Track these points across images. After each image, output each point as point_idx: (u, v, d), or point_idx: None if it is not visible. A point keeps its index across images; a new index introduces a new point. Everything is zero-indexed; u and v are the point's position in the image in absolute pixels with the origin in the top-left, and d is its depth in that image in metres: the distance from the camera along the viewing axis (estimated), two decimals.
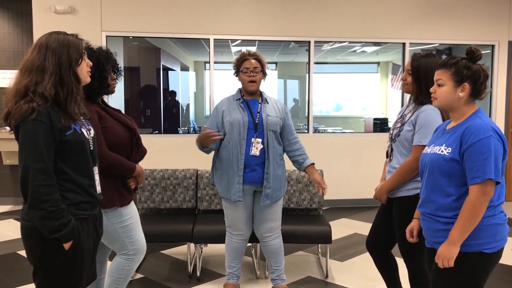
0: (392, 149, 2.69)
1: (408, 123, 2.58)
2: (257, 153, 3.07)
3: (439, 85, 2.04)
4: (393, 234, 2.71)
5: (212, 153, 3.25)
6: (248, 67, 3.11)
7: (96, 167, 2.07)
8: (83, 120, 2.03)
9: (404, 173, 2.54)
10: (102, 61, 2.45)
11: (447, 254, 1.92)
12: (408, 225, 2.39)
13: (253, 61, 3.12)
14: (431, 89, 2.09)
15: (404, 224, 2.52)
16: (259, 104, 3.17)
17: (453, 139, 1.98)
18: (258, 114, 3.13)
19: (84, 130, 1.99)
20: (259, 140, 3.08)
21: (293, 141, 3.23)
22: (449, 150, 1.97)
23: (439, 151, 2.01)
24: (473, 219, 1.88)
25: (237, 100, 3.17)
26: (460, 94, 1.99)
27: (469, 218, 1.88)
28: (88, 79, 2.03)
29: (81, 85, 1.97)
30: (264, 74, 3.19)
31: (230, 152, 3.08)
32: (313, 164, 3.23)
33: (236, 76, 3.23)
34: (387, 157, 2.74)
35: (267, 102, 3.20)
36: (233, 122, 3.08)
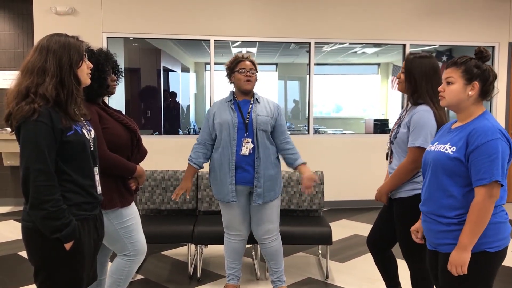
0: (391, 151, 2.70)
1: (404, 124, 2.60)
2: (247, 153, 3.08)
3: (448, 83, 2.03)
4: (394, 234, 2.72)
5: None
6: (244, 68, 3.14)
7: (97, 167, 2.07)
8: (84, 121, 2.04)
9: (401, 175, 2.56)
10: (101, 62, 2.45)
11: (459, 260, 1.90)
12: (408, 225, 2.39)
13: (248, 62, 3.16)
14: (440, 88, 2.08)
15: (404, 224, 2.53)
16: (250, 105, 3.19)
17: (458, 138, 1.98)
18: (248, 114, 3.15)
19: (84, 131, 1.99)
20: (249, 139, 3.10)
21: (284, 141, 3.22)
22: (453, 149, 1.96)
23: (443, 149, 2.01)
24: (481, 222, 1.87)
25: (228, 102, 3.20)
26: (470, 93, 1.99)
27: (477, 221, 1.87)
28: (89, 81, 2.03)
29: (81, 87, 1.98)
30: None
31: (222, 153, 3.11)
32: (305, 163, 3.20)
33: (229, 78, 3.24)
34: (387, 159, 2.75)
35: (259, 102, 3.21)
36: (222, 123, 3.11)
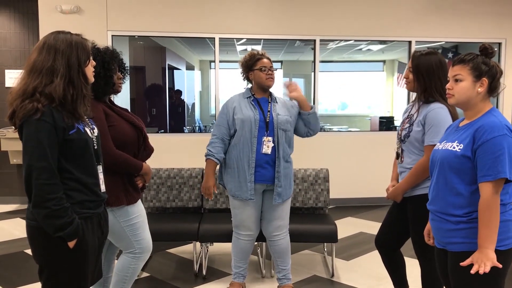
0: (402, 150, 2.67)
1: (417, 123, 2.56)
2: (269, 152, 3.07)
3: (456, 81, 2.01)
4: (404, 233, 2.70)
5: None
6: (265, 66, 3.14)
7: (100, 166, 2.07)
8: (87, 120, 2.03)
9: (419, 173, 2.52)
10: (107, 60, 2.46)
11: (481, 258, 1.85)
12: (424, 223, 2.37)
13: (267, 60, 3.16)
14: (448, 86, 2.06)
15: (420, 222, 2.50)
16: (269, 104, 3.18)
17: (465, 135, 1.96)
18: (268, 113, 3.14)
19: (87, 129, 1.99)
20: (270, 138, 3.09)
21: None
22: (461, 146, 1.95)
23: (450, 147, 1.99)
24: (494, 218, 1.84)
25: (247, 98, 3.18)
26: (479, 89, 1.97)
27: (489, 219, 1.84)
28: (93, 79, 2.03)
29: (89, 86, 1.97)
30: None
31: (241, 150, 3.08)
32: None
33: (246, 75, 3.22)
34: (397, 158, 2.72)
35: (277, 102, 3.22)
36: (244, 120, 3.08)
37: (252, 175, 3.07)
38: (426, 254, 2.58)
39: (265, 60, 3.15)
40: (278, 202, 3.14)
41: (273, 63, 3.23)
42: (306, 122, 3.22)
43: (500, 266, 1.84)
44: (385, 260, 2.85)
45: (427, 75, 2.54)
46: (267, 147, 3.08)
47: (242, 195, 3.10)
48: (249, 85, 3.25)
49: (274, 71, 3.18)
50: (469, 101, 2.01)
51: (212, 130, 3.21)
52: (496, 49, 6.27)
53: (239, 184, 3.10)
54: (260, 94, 3.20)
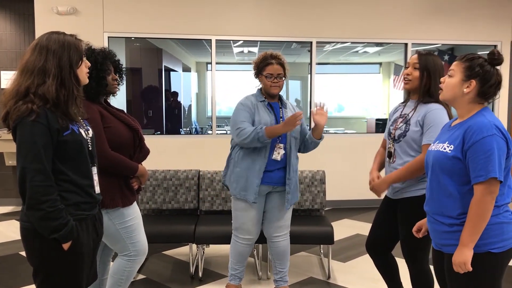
0: (394, 149, 2.66)
1: (415, 123, 2.54)
2: (278, 158, 3.04)
3: (449, 76, 2.02)
4: (393, 235, 2.70)
5: (226, 152, 3.23)
6: (272, 73, 3.04)
7: (95, 167, 2.06)
8: (82, 120, 2.02)
9: (413, 170, 2.50)
10: (100, 60, 2.44)
11: (461, 258, 1.87)
12: (414, 225, 2.37)
13: (276, 66, 3.04)
14: (441, 79, 2.07)
15: (410, 224, 2.50)
16: (280, 109, 3.15)
17: (456, 136, 1.96)
18: (281, 119, 3.10)
19: (82, 130, 1.97)
20: (282, 145, 3.05)
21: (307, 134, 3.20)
22: (451, 147, 1.95)
23: (442, 148, 1.99)
24: (481, 219, 1.85)
25: (262, 101, 3.11)
26: (465, 90, 1.97)
27: (476, 219, 1.85)
28: (87, 80, 2.01)
29: (81, 87, 1.96)
30: (285, 77, 3.13)
31: (253, 152, 3.02)
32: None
33: (256, 77, 3.17)
34: (389, 157, 2.71)
35: (286, 108, 3.18)
36: (261, 123, 3.02)
37: (260, 180, 3.03)
38: (414, 257, 2.57)
39: (273, 66, 3.03)
40: (287, 208, 3.15)
41: None
42: (306, 144, 3.19)
43: (471, 269, 1.86)
44: (377, 263, 2.84)
45: (433, 74, 2.55)
46: (278, 153, 3.03)
47: (247, 197, 3.07)
48: (260, 86, 3.18)
49: (281, 80, 3.07)
50: (455, 99, 2.01)
51: (239, 126, 2.98)
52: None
53: (245, 185, 3.05)
54: (270, 99, 3.15)
